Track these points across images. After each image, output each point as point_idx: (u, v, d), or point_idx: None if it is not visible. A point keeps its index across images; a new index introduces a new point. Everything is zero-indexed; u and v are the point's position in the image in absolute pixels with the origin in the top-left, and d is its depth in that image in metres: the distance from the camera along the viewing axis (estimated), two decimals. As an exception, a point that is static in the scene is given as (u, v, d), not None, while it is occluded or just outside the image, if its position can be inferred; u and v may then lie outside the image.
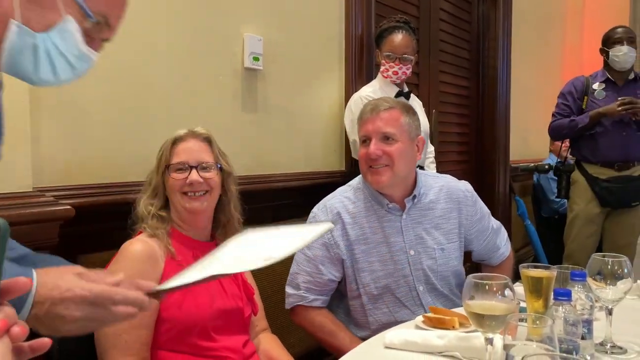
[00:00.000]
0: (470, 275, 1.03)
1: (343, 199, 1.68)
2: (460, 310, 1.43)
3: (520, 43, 4.29)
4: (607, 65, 3.13)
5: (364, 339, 1.49)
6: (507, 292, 0.99)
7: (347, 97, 2.56)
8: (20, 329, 0.56)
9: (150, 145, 1.72)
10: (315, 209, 1.70)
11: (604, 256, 1.19)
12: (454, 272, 1.67)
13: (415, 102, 2.61)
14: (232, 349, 1.33)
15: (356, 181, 1.73)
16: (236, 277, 1.44)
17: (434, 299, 1.63)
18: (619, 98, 2.95)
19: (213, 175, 1.38)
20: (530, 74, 3.42)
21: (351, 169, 2.55)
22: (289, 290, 1.66)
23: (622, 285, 1.16)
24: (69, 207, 1.36)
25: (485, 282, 1.00)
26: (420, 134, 1.67)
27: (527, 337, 1.05)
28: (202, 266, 0.93)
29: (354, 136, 2.37)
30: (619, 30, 3.09)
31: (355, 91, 2.51)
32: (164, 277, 1.26)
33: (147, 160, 1.68)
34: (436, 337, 1.19)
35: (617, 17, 5.36)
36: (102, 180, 1.61)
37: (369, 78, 2.65)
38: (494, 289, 0.99)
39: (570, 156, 3.28)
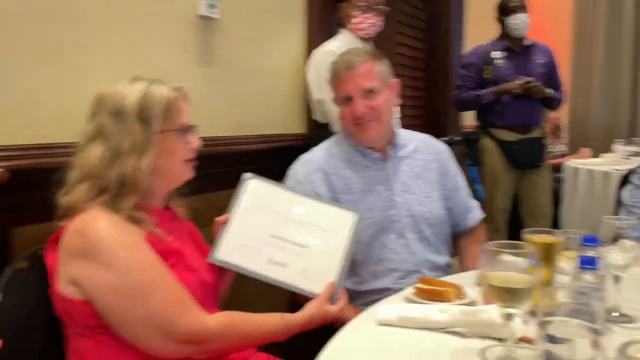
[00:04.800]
0: (488, 244, 0.91)
1: (323, 152, 1.64)
2: (448, 279, 1.35)
3: (474, 4, 4.23)
4: (503, 33, 3.23)
5: (355, 291, 1.51)
6: (530, 262, 0.88)
7: (309, 54, 2.38)
8: None
9: (87, 99, 1.48)
10: (294, 166, 1.64)
11: (613, 220, 1.11)
12: (441, 221, 1.64)
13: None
14: None
15: (335, 136, 1.70)
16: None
17: (424, 248, 1.59)
18: (520, 76, 3.08)
19: None
20: (484, 37, 3.36)
21: (313, 132, 2.39)
22: None
23: (632, 251, 1.09)
24: (1, 169, 1.12)
25: (504, 250, 0.89)
26: (392, 77, 1.64)
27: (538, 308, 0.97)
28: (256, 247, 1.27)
29: (319, 95, 2.20)
30: None
31: (317, 47, 2.33)
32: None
33: (82, 116, 1.45)
34: (437, 312, 1.08)
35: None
36: (33, 139, 1.36)
37: (332, 33, 2.47)
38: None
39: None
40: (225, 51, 2.00)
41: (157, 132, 1.12)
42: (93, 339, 1.07)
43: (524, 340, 1.01)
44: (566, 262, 1.16)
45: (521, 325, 0.99)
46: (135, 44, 1.64)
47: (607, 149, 4.46)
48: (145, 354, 1.07)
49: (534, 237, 1.12)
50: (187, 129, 1.19)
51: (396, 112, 2.53)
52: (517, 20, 3.10)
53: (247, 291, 1.62)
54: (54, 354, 1.13)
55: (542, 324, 0.78)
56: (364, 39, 2.32)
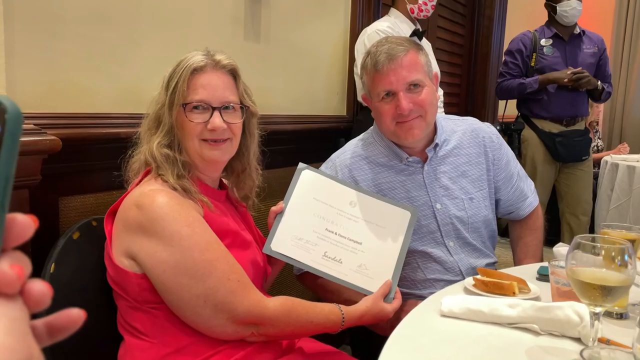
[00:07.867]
0: (577, 237, 0.85)
1: (355, 155, 1.51)
2: (507, 271, 1.29)
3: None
4: (552, 20, 3.07)
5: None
6: (626, 258, 0.81)
7: (353, 35, 2.31)
8: (43, 284, 0.33)
9: (138, 71, 1.44)
10: (323, 167, 1.51)
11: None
12: (484, 222, 1.51)
13: (425, 43, 2.40)
14: None
15: (368, 135, 1.55)
16: (260, 237, 1.28)
17: (467, 255, 1.47)
18: (570, 67, 2.95)
19: (237, 118, 1.14)
20: (526, 27, 3.24)
21: (358, 115, 2.33)
22: None
23: None
24: (54, 137, 1.08)
25: (597, 244, 0.82)
26: (433, 69, 1.47)
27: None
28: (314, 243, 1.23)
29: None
30: None
31: (362, 27, 2.26)
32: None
33: (134, 88, 1.42)
34: (506, 306, 1.02)
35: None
36: (82, 109, 1.32)
37: (377, 15, 2.39)
38: (612, 254, 0.81)
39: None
40: (272, 27, 1.94)
41: (168, 105, 1.09)
42: (146, 313, 1.05)
43: (602, 341, 0.95)
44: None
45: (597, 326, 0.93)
46: (187, 13, 1.59)
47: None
48: (199, 333, 1.04)
49: (611, 232, 1.05)
50: (196, 106, 1.10)
51: (440, 97, 2.47)
52: (568, 7, 2.94)
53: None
54: (106, 326, 1.11)
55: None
56: (413, 21, 2.25)
